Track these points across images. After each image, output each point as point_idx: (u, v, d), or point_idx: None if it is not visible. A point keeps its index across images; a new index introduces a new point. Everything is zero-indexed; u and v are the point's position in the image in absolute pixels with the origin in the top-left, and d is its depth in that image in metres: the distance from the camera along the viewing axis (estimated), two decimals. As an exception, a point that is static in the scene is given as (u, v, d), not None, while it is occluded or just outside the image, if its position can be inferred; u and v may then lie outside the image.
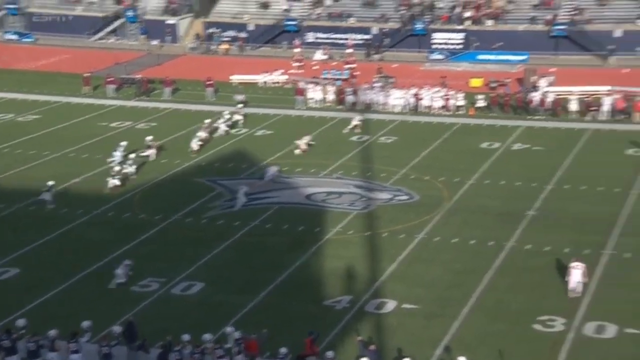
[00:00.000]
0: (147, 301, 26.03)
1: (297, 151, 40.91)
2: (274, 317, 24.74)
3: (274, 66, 59.60)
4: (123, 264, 27.45)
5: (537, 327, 23.51)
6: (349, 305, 25.31)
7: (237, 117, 46.76)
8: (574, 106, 46.27)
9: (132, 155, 39.11)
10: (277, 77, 58.16)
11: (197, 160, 40.58)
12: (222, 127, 44.96)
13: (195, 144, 41.53)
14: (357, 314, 24.79)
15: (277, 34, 70.95)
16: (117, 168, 37.05)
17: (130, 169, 37.65)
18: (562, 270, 26.62)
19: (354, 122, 44.82)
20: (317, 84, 53.53)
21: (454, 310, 24.67)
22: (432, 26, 66.50)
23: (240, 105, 48.76)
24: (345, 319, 24.49)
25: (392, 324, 24.14)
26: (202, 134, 42.59)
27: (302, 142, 41.22)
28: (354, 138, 43.64)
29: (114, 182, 36.00)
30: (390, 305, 25.27)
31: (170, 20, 74.16)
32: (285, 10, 72.29)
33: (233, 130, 45.10)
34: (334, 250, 29.56)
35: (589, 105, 46.05)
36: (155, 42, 72.14)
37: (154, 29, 73.74)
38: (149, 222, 32.63)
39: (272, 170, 37.12)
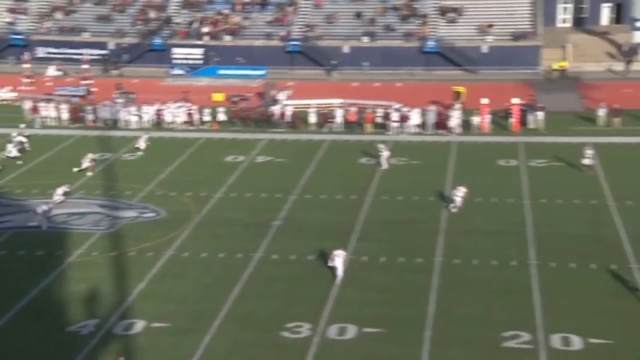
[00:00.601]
0: None
1: (77, 169, 39.15)
2: (11, 348, 23.03)
3: (1, 83, 55.87)
4: None
5: (285, 334, 24.14)
6: (95, 329, 24.26)
7: (22, 139, 43.25)
8: (313, 118, 48.49)
9: None
10: (4, 94, 54.62)
11: None
12: (14, 152, 41.80)
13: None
14: (104, 338, 23.83)
15: (3, 48, 66.62)
16: None
17: None
18: (308, 278, 27.72)
19: (142, 142, 43.38)
20: (49, 101, 50.95)
21: (205, 323, 24.62)
22: (171, 41, 66.24)
23: (23, 126, 45.33)
24: (91, 343, 23.44)
25: (142, 344, 23.52)
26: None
27: (86, 161, 39.39)
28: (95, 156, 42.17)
29: None
30: (140, 325, 24.62)
31: None
32: (9, 23, 67.99)
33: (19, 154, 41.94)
34: (78, 273, 28.20)
35: (327, 117, 48.53)
36: None
37: None
38: None
39: (61, 189, 35.12)
